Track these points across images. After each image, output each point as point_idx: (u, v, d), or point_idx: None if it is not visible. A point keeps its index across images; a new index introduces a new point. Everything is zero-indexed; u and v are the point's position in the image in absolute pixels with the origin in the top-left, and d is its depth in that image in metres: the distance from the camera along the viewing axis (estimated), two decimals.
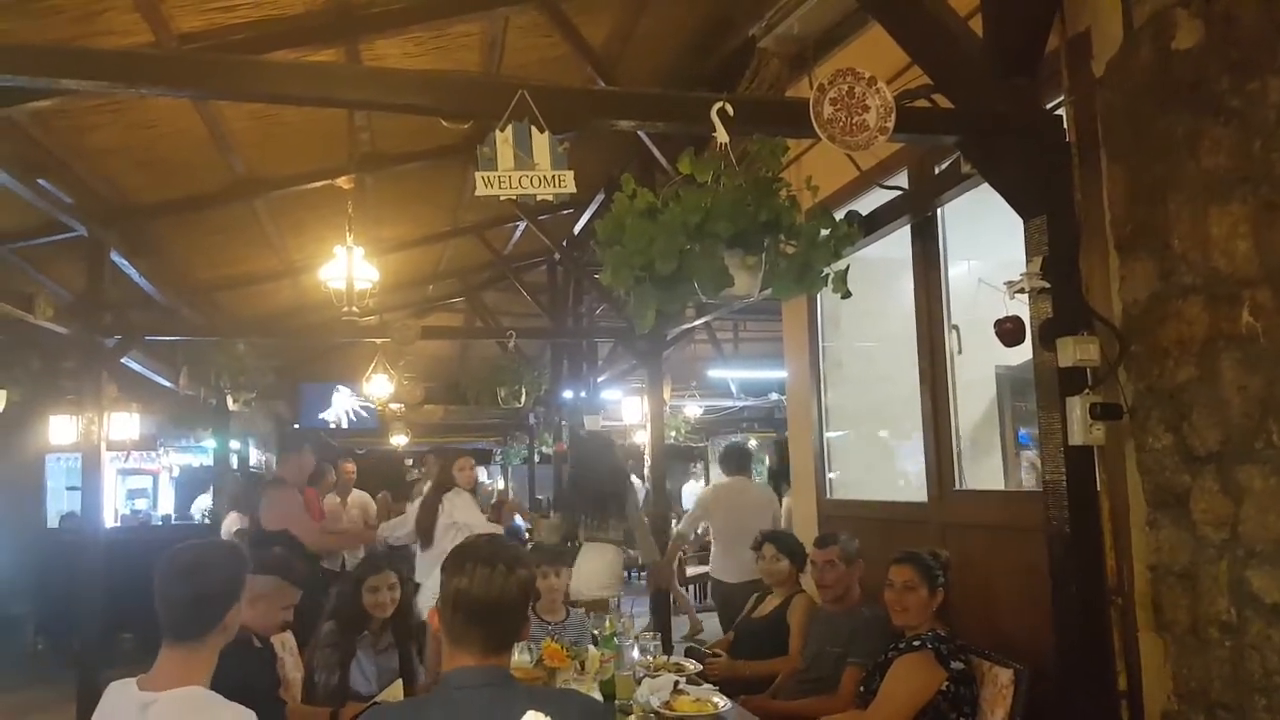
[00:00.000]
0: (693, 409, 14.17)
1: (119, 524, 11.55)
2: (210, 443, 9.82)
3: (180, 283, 7.74)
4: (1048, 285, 2.89)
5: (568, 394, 10.40)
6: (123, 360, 6.87)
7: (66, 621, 6.99)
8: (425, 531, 5.71)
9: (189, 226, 6.74)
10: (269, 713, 2.04)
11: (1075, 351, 2.80)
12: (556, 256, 9.88)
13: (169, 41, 4.08)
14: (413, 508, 6.11)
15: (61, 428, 8.24)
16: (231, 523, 6.33)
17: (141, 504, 14.71)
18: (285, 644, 3.77)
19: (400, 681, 3.65)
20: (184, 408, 9.23)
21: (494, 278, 11.13)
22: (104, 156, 5.31)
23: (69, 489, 11.33)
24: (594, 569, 5.43)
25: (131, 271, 6.71)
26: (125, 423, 7.61)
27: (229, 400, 7.75)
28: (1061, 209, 2.93)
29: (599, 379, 10.33)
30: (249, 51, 4.20)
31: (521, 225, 9.00)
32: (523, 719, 1.67)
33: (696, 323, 6.52)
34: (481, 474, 9.75)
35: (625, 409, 10.77)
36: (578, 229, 8.74)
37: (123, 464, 13.80)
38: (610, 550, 5.57)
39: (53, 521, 10.47)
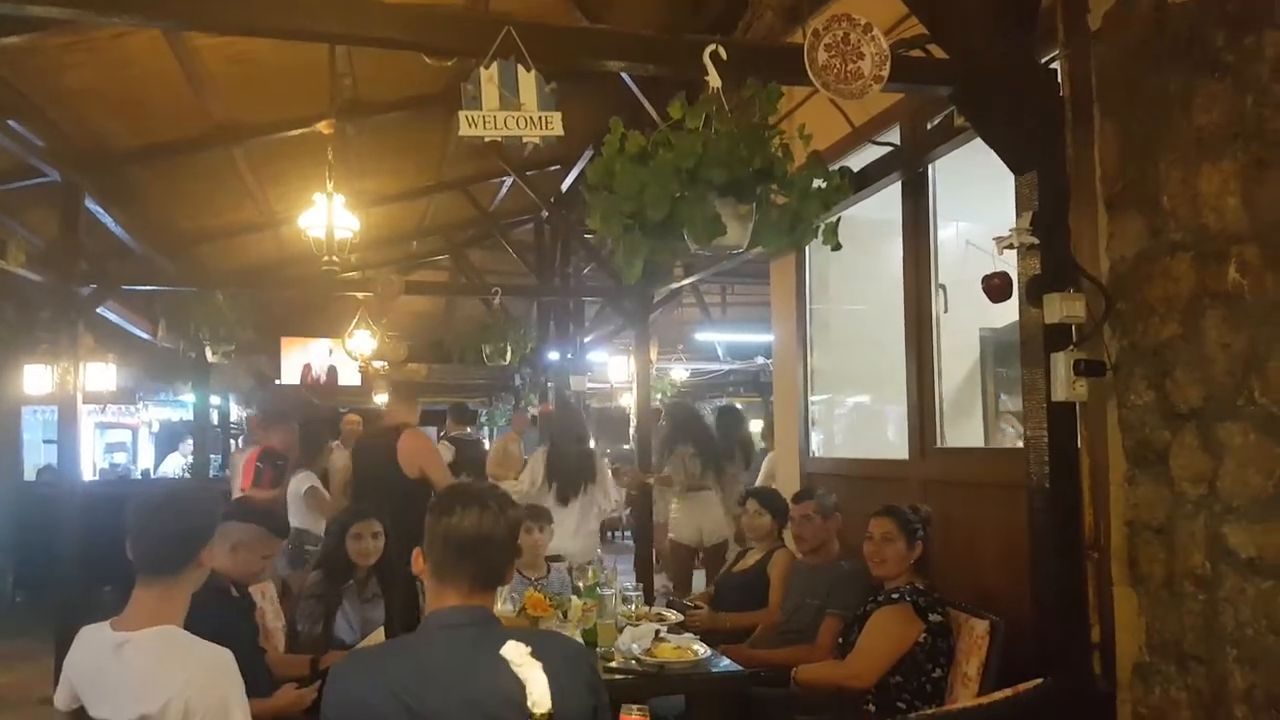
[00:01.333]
0: (679, 372, 14.17)
1: (98, 478, 11.48)
2: (190, 397, 9.73)
3: (158, 233, 7.60)
4: (1036, 241, 2.88)
5: (554, 354, 10.37)
6: (99, 310, 6.76)
7: (45, 574, 6.94)
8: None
9: (166, 174, 6.62)
10: (248, 661, 2.05)
11: (1061, 308, 2.81)
12: (544, 214, 9.80)
13: None
14: (534, 459, 6.03)
15: (37, 378, 8.13)
16: (302, 481, 5.85)
17: (120, 458, 14.65)
18: (265, 593, 3.77)
19: (382, 630, 3.65)
20: (162, 360, 9.13)
21: (480, 235, 11.04)
22: (77, 98, 5.18)
23: (46, 442, 11.23)
24: (714, 516, 6.01)
25: (107, 220, 6.57)
26: (101, 374, 7.51)
27: (208, 352, 7.65)
28: (1053, 165, 2.92)
29: (585, 340, 10.30)
30: None
31: (508, 181, 8.90)
32: (503, 649, 1.66)
33: (685, 282, 6.49)
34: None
35: (611, 369, 10.75)
36: (565, 186, 8.65)
37: (100, 417, 13.70)
38: (717, 497, 6.10)
39: (30, 475, 10.39)
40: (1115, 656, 2.82)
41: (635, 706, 1.91)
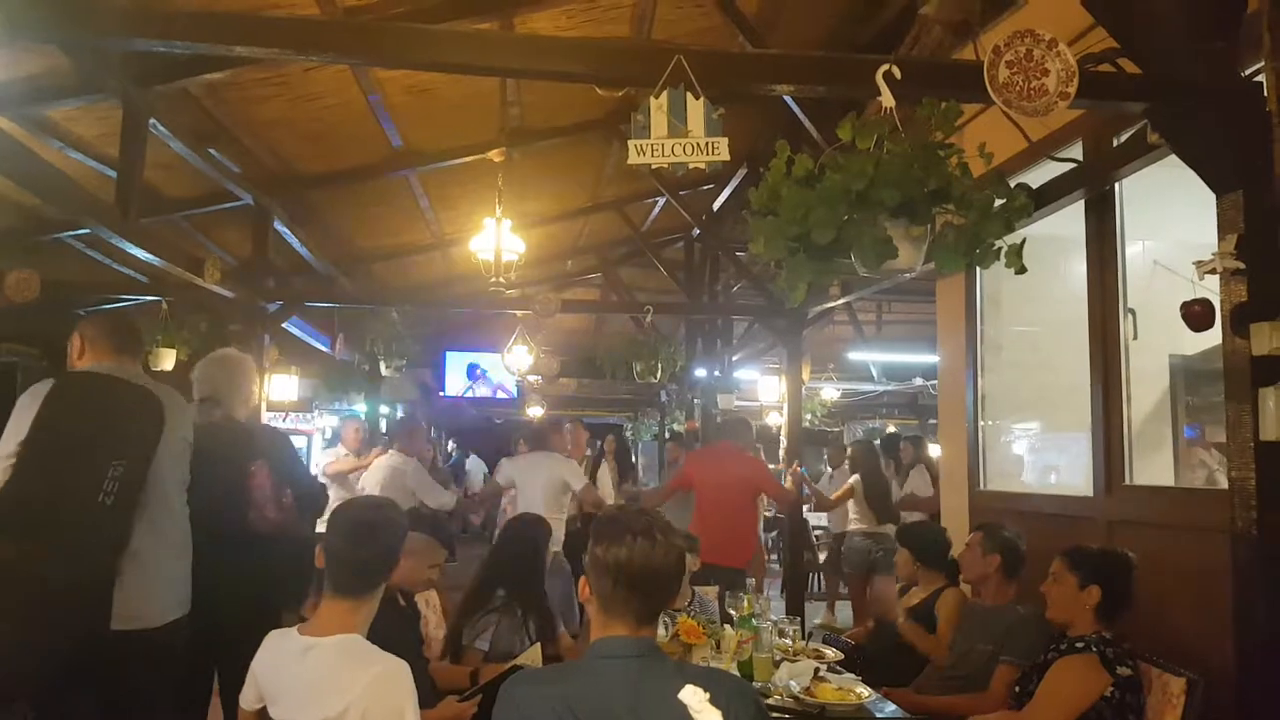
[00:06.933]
0: (830, 392, 13.87)
1: None
2: (362, 407, 10.28)
3: (337, 252, 8.11)
4: (1242, 266, 2.68)
5: (701, 372, 10.37)
6: (283, 324, 7.26)
7: None
8: None
9: (347, 198, 7.04)
10: (412, 669, 2.11)
11: (1271, 339, 2.60)
12: (695, 233, 9.83)
13: (334, 15, 4.23)
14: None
15: None
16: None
17: None
18: (429, 602, 3.87)
19: (538, 647, 3.70)
20: (338, 372, 9.69)
21: (631, 254, 11.20)
22: (270, 128, 5.58)
23: None
24: None
25: (293, 240, 7.06)
26: (285, 384, 8.02)
27: (381, 366, 8.08)
28: (1259, 183, 2.71)
29: (733, 358, 10.25)
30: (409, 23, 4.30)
31: (661, 201, 8.99)
32: (680, 693, 1.65)
33: (840, 301, 6.35)
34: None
35: (761, 389, 10.63)
36: (717, 205, 8.66)
37: (280, 424, 14.63)
38: None
39: None
40: None
41: None
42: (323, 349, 9.04)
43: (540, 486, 6.08)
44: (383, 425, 11.46)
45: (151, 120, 4.58)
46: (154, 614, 2.73)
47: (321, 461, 7.20)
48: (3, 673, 2.41)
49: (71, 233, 6.45)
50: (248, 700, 2.23)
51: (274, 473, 3.24)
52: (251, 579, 3.12)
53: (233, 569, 3.05)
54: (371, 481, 6.48)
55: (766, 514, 9.86)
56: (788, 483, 6.58)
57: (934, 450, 8.75)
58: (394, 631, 2.78)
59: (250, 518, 3.18)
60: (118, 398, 2.78)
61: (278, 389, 7.66)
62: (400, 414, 12.84)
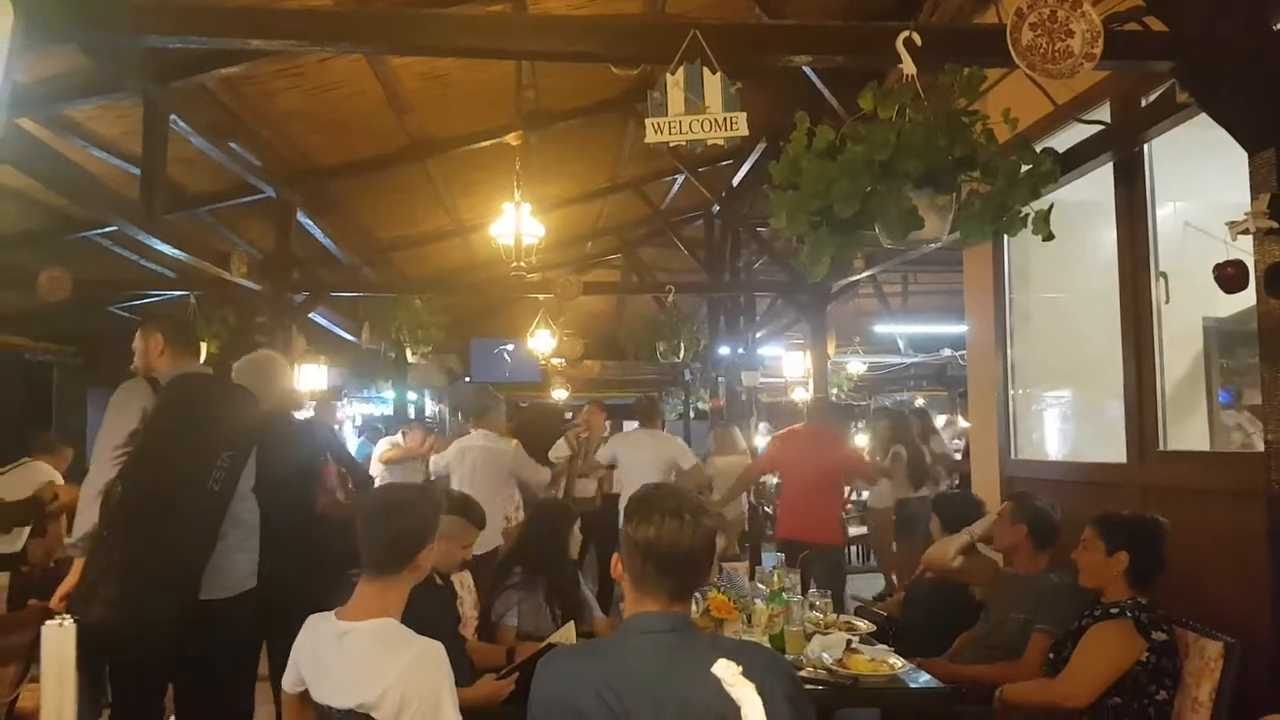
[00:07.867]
0: (856, 365, 13.79)
1: None
2: (389, 394, 10.37)
3: (360, 242, 8.15)
4: (1276, 225, 2.61)
5: (724, 350, 10.34)
6: (310, 315, 7.32)
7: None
8: None
9: (367, 187, 7.06)
10: (450, 648, 2.15)
11: None
12: (715, 209, 9.78)
13: (347, 4, 4.22)
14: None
15: None
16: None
17: None
18: (464, 583, 3.92)
19: (572, 625, 3.72)
20: (366, 360, 9.77)
21: (651, 233, 11.16)
22: (288, 119, 5.59)
23: None
24: None
25: (316, 231, 7.10)
26: (314, 374, 8.11)
27: (408, 354, 8.17)
28: None
29: (757, 334, 10.21)
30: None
31: (680, 179, 8.95)
32: (713, 667, 1.65)
33: (865, 274, 6.30)
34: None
35: (786, 364, 10.60)
36: (737, 180, 8.60)
37: (310, 413, 14.82)
38: None
39: None
40: None
41: None
42: (350, 339, 9.12)
43: (647, 464, 6.05)
44: (409, 411, 11.60)
45: (172, 116, 4.60)
46: (228, 585, 3.09)
47: (378, 450, 7.82)
48: (115, 638, 2.75)
49: (98, 231, 6.51)
50: (289, 683, 2.26)
51: (338, 462, 3.80)
52: (322, 559, 3.44)
53: (307, 548, 3.45)
54: (464, 465, 5.73)
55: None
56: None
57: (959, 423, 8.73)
58: (432, 610, 2.85)
59: (323, 503, 3.67)
60: (231, 396, 3.25)
61: (307, 378, 7.74)
62: (427, 398, 12.91)
